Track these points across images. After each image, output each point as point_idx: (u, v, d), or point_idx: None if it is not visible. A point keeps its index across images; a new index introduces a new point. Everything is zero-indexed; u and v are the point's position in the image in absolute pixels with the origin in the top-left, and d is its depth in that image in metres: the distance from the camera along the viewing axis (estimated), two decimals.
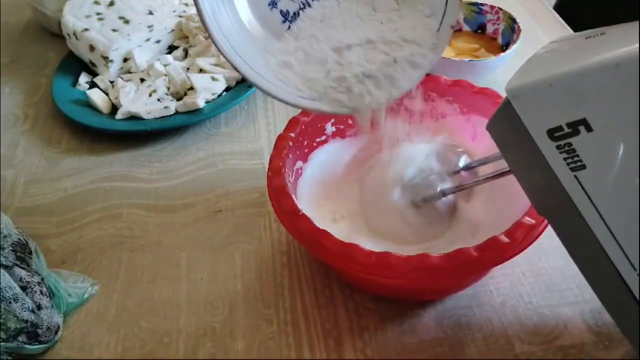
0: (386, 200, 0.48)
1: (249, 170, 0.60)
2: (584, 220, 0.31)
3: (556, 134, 0.30)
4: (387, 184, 0.49)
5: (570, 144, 0.29)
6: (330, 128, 0.54)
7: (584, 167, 0.30)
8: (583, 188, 0.30)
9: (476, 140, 0.53)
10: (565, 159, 0.30)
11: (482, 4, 0.71)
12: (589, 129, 0.29)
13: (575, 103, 0.29)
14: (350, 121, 0.55)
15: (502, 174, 0.42)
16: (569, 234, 0.33)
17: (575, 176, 0.30)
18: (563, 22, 0.77)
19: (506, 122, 0.32)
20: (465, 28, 0.72)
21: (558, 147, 0.30)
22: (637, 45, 0.27)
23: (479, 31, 0.72)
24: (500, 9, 0.70)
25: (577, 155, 0.30)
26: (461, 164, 0.49)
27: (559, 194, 0.31)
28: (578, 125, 0.29)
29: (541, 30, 0.76)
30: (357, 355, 0.44)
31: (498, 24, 0.70)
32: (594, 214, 0.30)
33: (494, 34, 0.71)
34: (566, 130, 0.29)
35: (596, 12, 0.88)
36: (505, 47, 0.68)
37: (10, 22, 0.89)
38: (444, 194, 0.47)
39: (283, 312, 0.47)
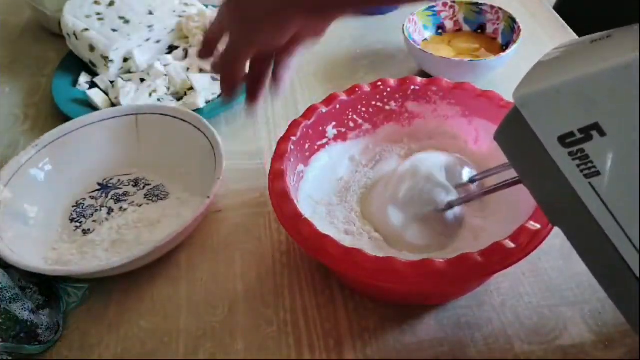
0: (388, 211, 0.48)
1: (249, 170, 0.60)
2: (601, 228, 0.30)
3: (568, 140, 0.29)
4: (389, 195, 0.48)
5: (582, 150, 0.29)
6: (331, 131, 0.54)
7: (598, 173, 0.29)
8: (598, 195, 0.29)
9: (478, 144, 0.53)
10: (578, 165, 0.29)
11: (482, 4, 0.71)
12: (602, 133, 0.28)
13: (587, 108, 0.28)
14: (351, 124, 0.54)
15: (511, 184, 0.41)
16: (584, 242, 0.33)
17: (589, 183, 0.29)
18: (563, 22, 0.77)
19: (515, 130, 0.31)
20: (465, 28, 0.72)
21: (570, 154, 0.29)
22: None
23: (479, 31, 0.72)
24: (500, 8, 0.70)
25: (591, 161, 0.29)
26: (466, 176, 0.49)
27: (573, 202, 0.30)
28: (590, 130, 0.28)
29: (541, 30, 0.76)
30: (357, 355, 0.44)
31: (498, 24, 0.70)
32: (610, 220, 0.30)
33: (494, 33, 0.71)
34: (578, 135, 0.29)
35: (596, 11, 0.88)
36: (505, 47, 0.68)
37: (10, 22, 0.88)
38: (450, 206, 0.47)
39: (283, 312, 0.47)
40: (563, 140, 0.29)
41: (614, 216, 0.30)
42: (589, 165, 0.29)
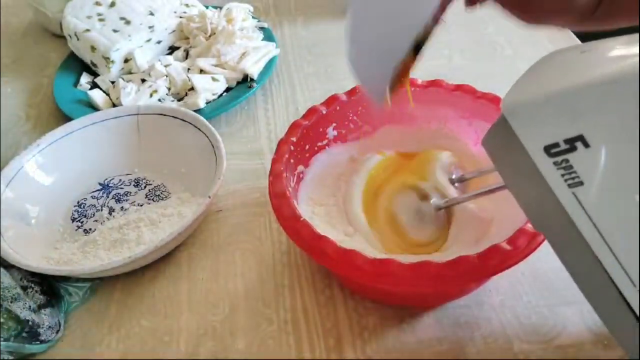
0: (383, 207, 0.48)
1: (249, 170, 0.60)
2: (582, 237, 0.30)
3: (553, 150, 0.29)
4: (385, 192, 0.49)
5: (567, 160, 0.29)
6: (331, 132, 0.54)
7: (581, 183, 0.29)
8: (581, 204, 0.30)
9: (479, 145, 0.53)
10: (562, 175, 0.30)
11: None
12: (586, 145, 0.28)
13: (572, 119, 0.28)
14: (351, 125, 0.55)
15: (496, 189, 0.42)
16: (566, 250, 0.33)
17: (573, 193, 0.30)
18: None
19: (502, 138, 0.32)
20: None
21: (555, 164, 0.30)
22: (636, 60, 0.27)
23: None
24: None
25: (575, 172, 0.29)
26: (454, 176, 0.49)
27: (556, 210, 0.31)
28: (575, 142, 0.29)
29: (541, 31, 0.76)
30: (357, 355, 0.44)
31: None
32: (592, 230, 0.30)
33: None
34: (563, 146, 0.29)
35: None
36: None
37: (12, 23, 0.89)
38: (439, 208, 0.47)
39: (283, 311, 0.47)
40: (548, 150, 0.30)
41: (596, 226, 0.30)
42: (573, 175, 0.29)
